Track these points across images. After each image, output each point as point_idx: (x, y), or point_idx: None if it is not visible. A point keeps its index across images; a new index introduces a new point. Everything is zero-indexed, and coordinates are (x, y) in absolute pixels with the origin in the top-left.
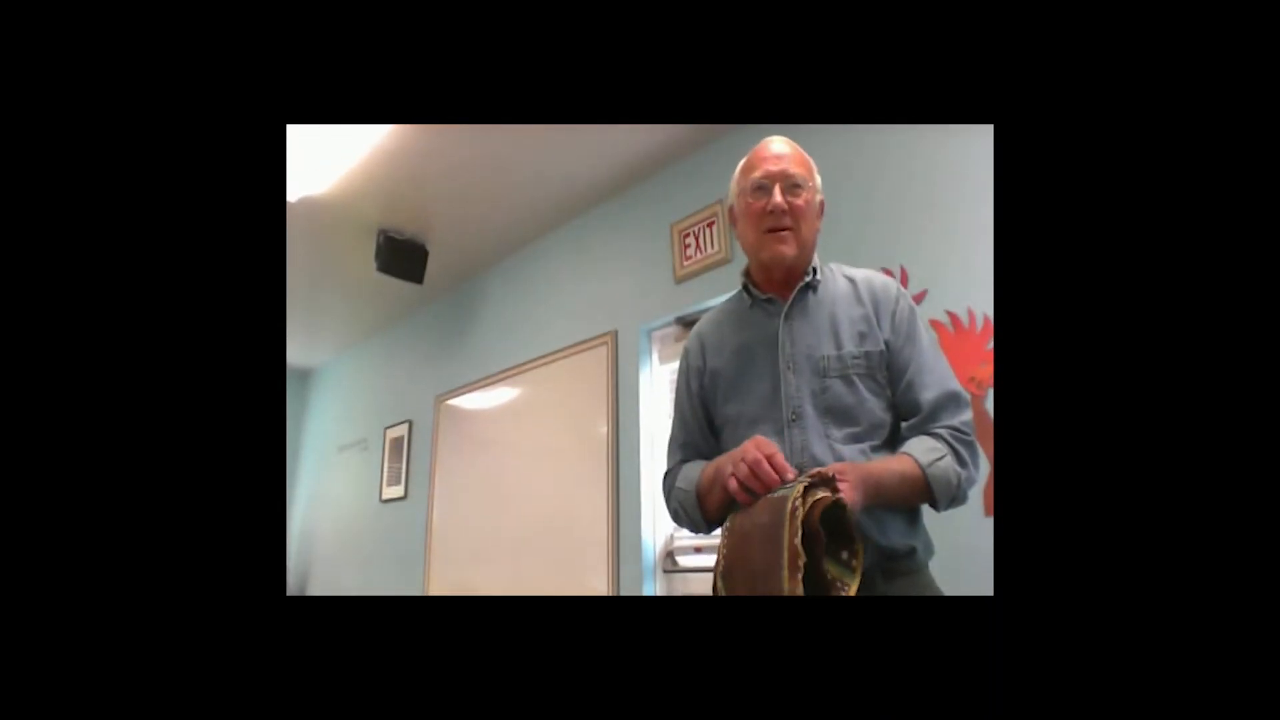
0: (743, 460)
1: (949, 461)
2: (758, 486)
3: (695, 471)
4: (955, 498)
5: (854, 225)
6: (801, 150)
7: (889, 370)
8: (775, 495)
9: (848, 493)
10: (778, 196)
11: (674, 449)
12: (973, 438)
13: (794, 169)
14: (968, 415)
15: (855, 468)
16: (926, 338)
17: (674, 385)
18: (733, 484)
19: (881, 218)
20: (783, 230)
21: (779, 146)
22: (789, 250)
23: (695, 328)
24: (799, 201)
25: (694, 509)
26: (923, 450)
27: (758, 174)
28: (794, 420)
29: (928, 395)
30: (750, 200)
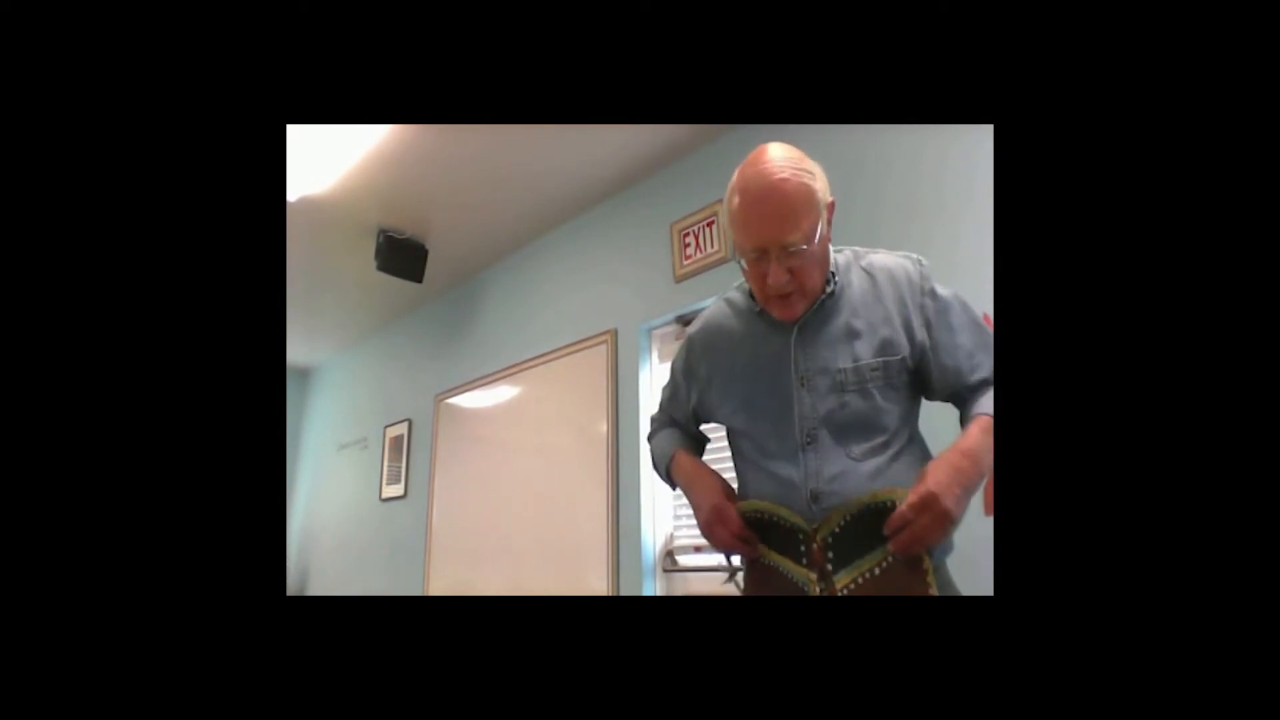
0: (720, 537)
1: None
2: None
3: (669, 446)
4: None
5: (856, 224)
6: (800, 174)
7: (930, 365)
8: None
9: (929, 533)
10: (775, 273)
11: (662, 408)
12: None
13: (790, 235)
14: None
15: (940, 490)
16: (964, 316)
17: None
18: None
19: (883, 217)
20: (787, 296)
21: (771, 196)
22: (795, 311)
23: (704, 317)
24: (799, 264)
25: (664, 477)
26: (986, 421)
27: (750, 246)
28: (809, 444)
29: (986, 370)
30: (747, 265)
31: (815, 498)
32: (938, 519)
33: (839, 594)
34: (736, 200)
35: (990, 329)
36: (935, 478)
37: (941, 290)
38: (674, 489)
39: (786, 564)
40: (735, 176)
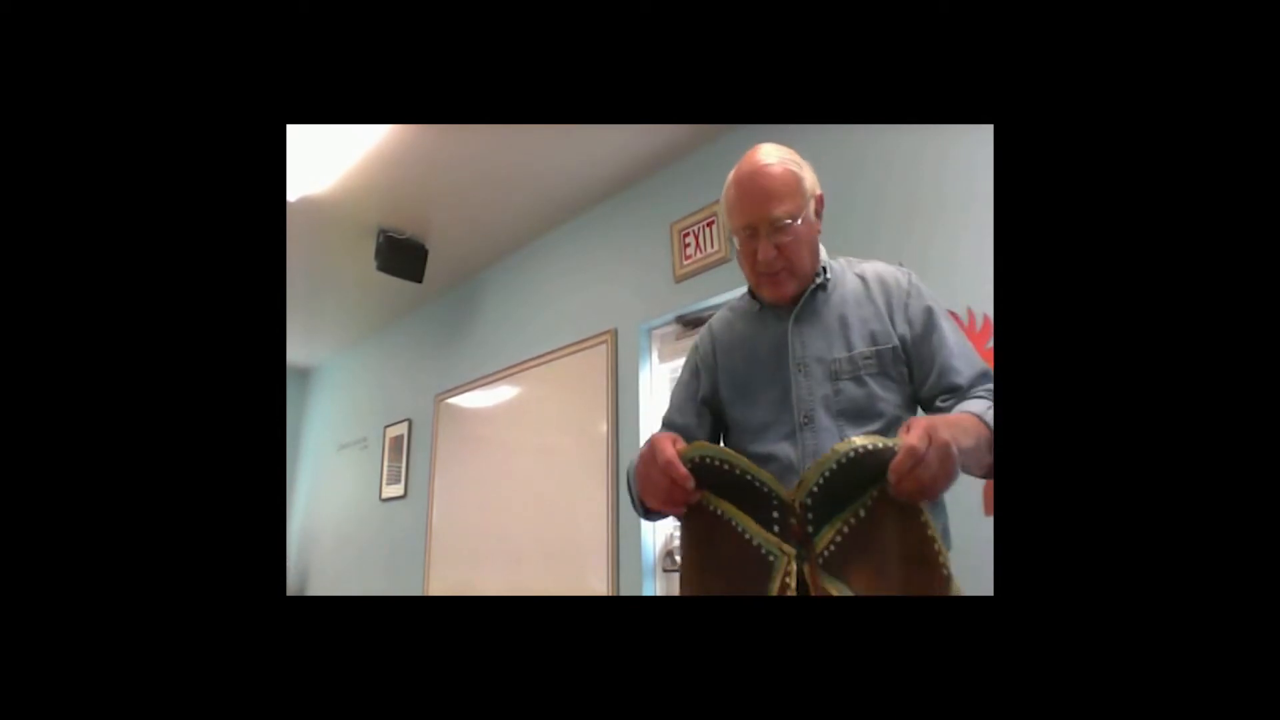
0: (651, 477)
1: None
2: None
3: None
4: None
5: (856, 224)
6: (786, 162)
7: (912, 364)
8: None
9: (939, 474)
10: (764, 249)
11: (663, 425)
12: None
13: (776, 209)
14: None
15: (933, 424)
16: (946, 324)
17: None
18: (662, 506)
19: (883, 217)
20: (776, 274)
21: (758, 177)
22: (785, 291)
23: (710, 322)
24: (787, 240)
25: (631, 487)
26: (974, 405)
27: (740, 223)
28: (805, 424)
29: (963, 378)
30: (739, 244)
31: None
32: (943, 453)
33: (820, 556)
34: (731, 190)
35: (968, 341)
36: (922, 422)
37: (927, 294)
38: (649, 514)
39: (744, 521)
40: (727, 179)
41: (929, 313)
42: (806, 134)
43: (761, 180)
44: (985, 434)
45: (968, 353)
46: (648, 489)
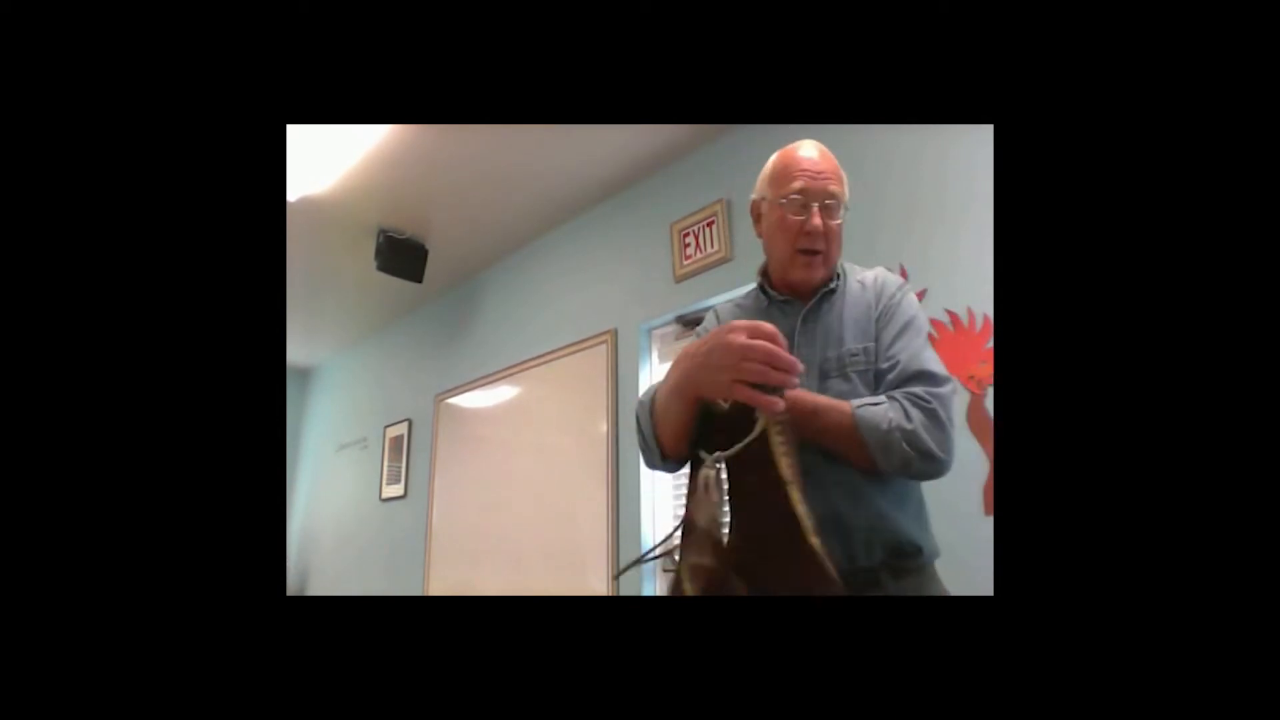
0: (747, 353)
1: (885, 410)
2: (779, 379)
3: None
4: (891, 449)
5: (856, 224)
6: (833, 157)
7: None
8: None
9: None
10: (816, 219)
11: None
12: (934, 405)
13: (833, 186)
14: (937, 389)
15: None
16: (915, 320)
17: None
18: (741, 392)
19: (883, 217)
20: (815, 253)
21: (816, 156)
22: (818, 275)
23: (717, 308)
24: (834, 223)
25: (646, 422)
26: (864, 399)
27: (796, 185)
28: None
29: (895, 373)
30: (785, 214)
31: (806, 471)
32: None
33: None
34: (785, 158)
35: (925, 338)
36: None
37: (914, 302)
38: (667, 460)
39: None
40: (773, 159)
41: (898, 312)
42: (807, 134)
43: (821, 160)
44: (841, 424)
45: (916, 350)
46: (739, 361)
